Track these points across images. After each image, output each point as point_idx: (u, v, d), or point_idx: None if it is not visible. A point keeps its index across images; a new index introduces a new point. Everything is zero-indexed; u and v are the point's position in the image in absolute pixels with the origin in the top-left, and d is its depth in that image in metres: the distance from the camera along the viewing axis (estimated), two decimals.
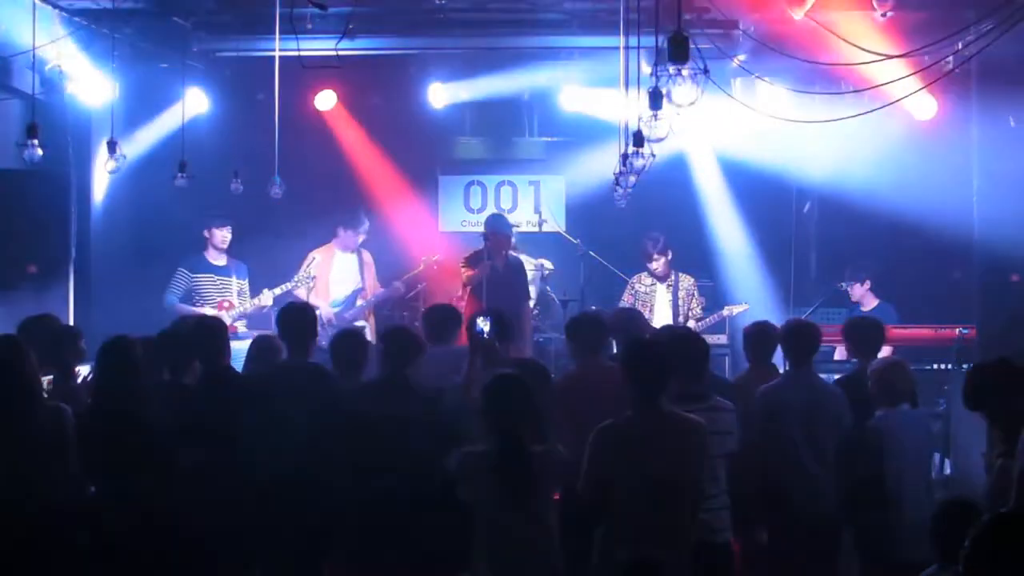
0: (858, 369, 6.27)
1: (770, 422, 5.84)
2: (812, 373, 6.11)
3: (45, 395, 5.58)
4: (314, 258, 9.71)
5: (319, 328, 9.05)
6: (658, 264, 9.60)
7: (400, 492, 5.47)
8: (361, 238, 9.90)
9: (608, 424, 4.86)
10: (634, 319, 6.96)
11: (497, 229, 9.45)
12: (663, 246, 9.57)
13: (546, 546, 4.79)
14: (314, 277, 9.47)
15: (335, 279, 9.75)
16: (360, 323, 9.62)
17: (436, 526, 5.38)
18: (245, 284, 9.47)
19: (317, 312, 9.24)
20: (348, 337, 6.24)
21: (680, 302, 9.54)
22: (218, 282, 9.38)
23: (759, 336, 6.37)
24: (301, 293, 9.23)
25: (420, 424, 5.58)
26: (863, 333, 6.43)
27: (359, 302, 9.84)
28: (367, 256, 10.01)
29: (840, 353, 8.66)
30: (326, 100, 10.66)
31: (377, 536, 5.56)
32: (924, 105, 9.83)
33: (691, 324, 9.17)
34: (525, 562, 4.73)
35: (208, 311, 9.04)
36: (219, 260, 9.40)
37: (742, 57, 8.85)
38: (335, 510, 5.55)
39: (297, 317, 6.06)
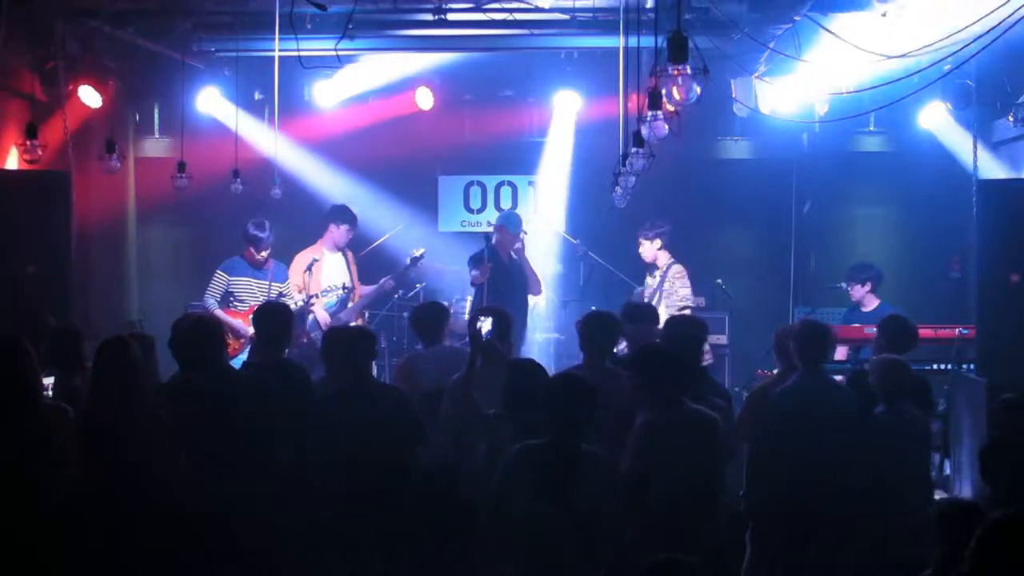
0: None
1: (783, 424, 5.84)
2: (824, 374, 6.10)
3: (47, 395, 5.59)
4: (314, 259, 9.70)
5: (317, 333, 9.17)
6: (642, 248, 9.56)
7: (377, 490, 5.47)
8: (351, 235, 9.90)
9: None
10: (645, 315, 6.98)
11: (503, 224, 9.46)
12: (653, 234, 9.51)
13: (583, 547, 4.74)
14: (350, 288, 9.53)
15: (326, 280, 9.69)
16: (354, 324, 9.61)
17: (420, 522, 5.40)
18: (285, 287, 9.43)
19: (311, 317, 9.43)
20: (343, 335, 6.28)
21: (664, 294, 9.46)
22: (254, 286, 9.37)
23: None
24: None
25: (388, 421, 5.58)
26: (900, 332, 6.44)
27: (350, 303, 9.82)
28: (350, 255, 10.01)
29: (840, 353, 8.66)
30: (330, 96, 10.67)
31: (362, 534, 5.56)
32: (930, 111, 9.85)
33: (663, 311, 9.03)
34: (560, 562, 4.70)
35: (240, 315, 9.10)
36: (257, 264, 9.37)
37: None
38: (319, 510, 5.57)
39: (272, 315, 6.15)
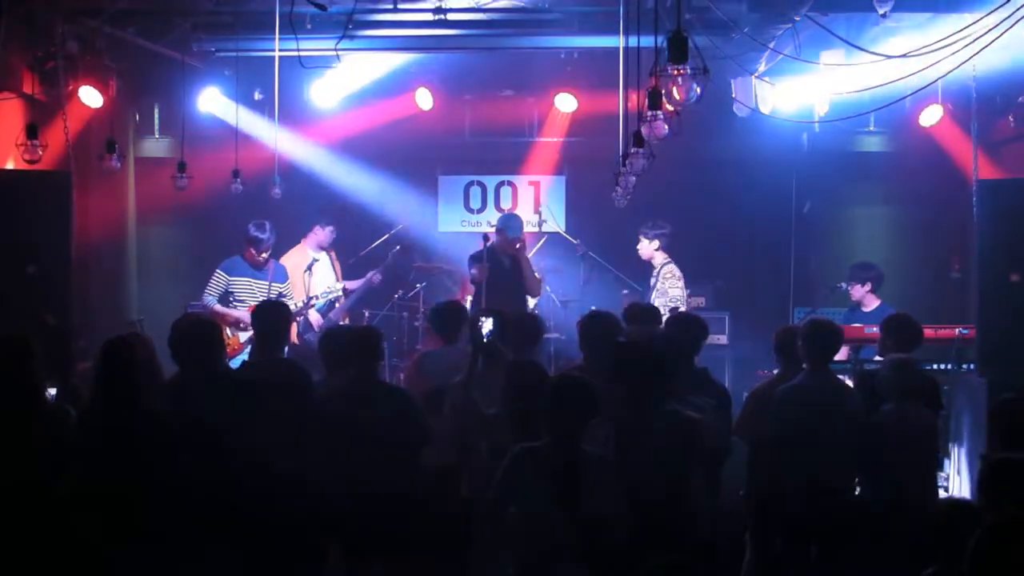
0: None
1: (788, 422, 5.83)
2: (831, 373, 6.09)
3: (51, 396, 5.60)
4: (314, 259, 9.71)
5: (312, 335, 9.19)
6: (641, 247, 9.59)
7: (379, 490, 5.46)
8: (334, 235, 9.90)
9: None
10: (646, 315, 6.97)
11: (503, 227, 9.46)
12: (654, 234, 9.55)
13: (585, 548, 4.71)
14: (345, 288, 9.60)
15: (315, 281, 9.70)
16: (342, 323, 9.60)
17: (423, 521, 5.40)
18: (284, 287, 9.44)
19: (302, 318, 9.43)
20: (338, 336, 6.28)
21: (655, 293, 9.49)
22: (254, 286, 9.36)
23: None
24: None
25: (392, 421, 5.58)
26: (904, 330, 6.45)
27: (338, 302, 9.81)
28: (333, 254, 10.05)
29: (840, 353, 8.65)
30: (330, 96, 10.64)
31: (363, 533, 5.56)
32: (930, 112, 9.83)
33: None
34: (562, 563, 4.70)
35: (242, 313, 9.11)
36: (258, 264, 9.37)
37: None
38: (320, 510, 5.57)
39: (271, 315, 6.14)
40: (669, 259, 9.53)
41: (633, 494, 4.82)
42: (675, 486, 4.96)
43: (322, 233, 9.85)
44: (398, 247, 10.21)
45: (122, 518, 5.08)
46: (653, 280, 9.57)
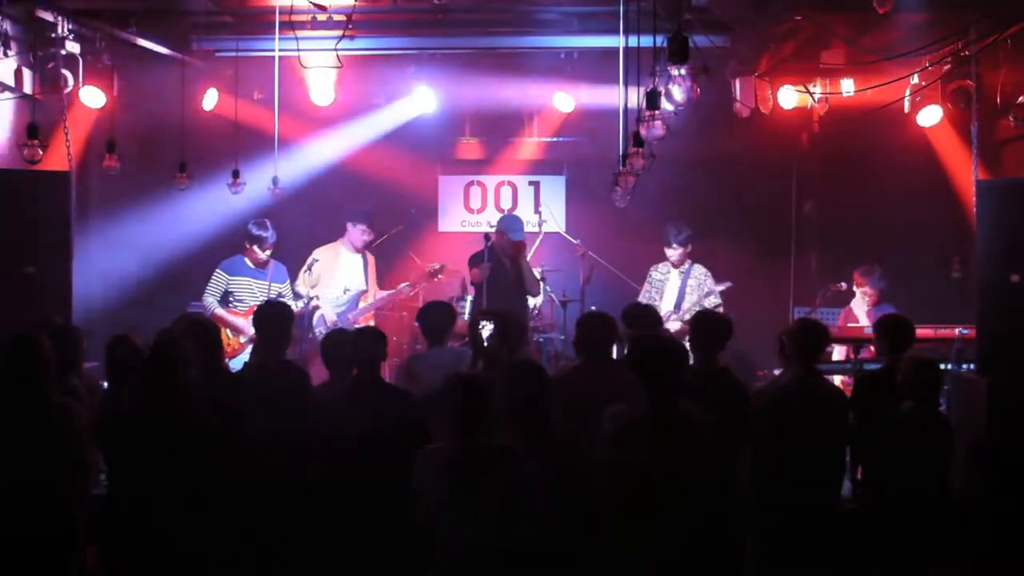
0: (887, 366, 6.27)
1: (773, 423, 5.84)
2: (818, 373, 6.09)
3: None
4: (316, 259, 9.70)
5: (322, 330, 9.16)
6: (674, 254, 9.62)
7: (377, 492, 5.46)
8: (369, 236, 9.87)
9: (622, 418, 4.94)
10: (646, 314, 6.97)
11: (502, 229, 9.45)
12: (684, 239, 9.58)
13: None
14: (363, 291, 9.64)
15: (340, 279, 9.69)
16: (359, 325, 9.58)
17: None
18: (284, 287, 9.41)
19: (319, 314, 9.41)
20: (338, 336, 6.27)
21: (688, 290, 9.52)
22: (254, 286, 9.34)
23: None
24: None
25: (392, 422, 5.58)
26: (897, 331, 6.45)
27: (362, 303, 9.80)
28: (370, 257, 10.00)
29: (840, 353, 8.66)
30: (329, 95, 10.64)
31: (363, 534, 5.57)
32: (929, 112, 9.83)
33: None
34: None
35: (240, 315, 9.10)
36: (260, 263, 9.33)
37: None
38: (320, 510, 5.56)
39: (272, 316, 6.13)
40: (692, 262, 9.70)
41: (631, 495, 4.82)
42: (680, 486, 4.95)
43: (353, 231, 9.77)
44: (438, 267, 10.11)
45: (131, 519, 5.09)
46: (670, 276, 9.62)
